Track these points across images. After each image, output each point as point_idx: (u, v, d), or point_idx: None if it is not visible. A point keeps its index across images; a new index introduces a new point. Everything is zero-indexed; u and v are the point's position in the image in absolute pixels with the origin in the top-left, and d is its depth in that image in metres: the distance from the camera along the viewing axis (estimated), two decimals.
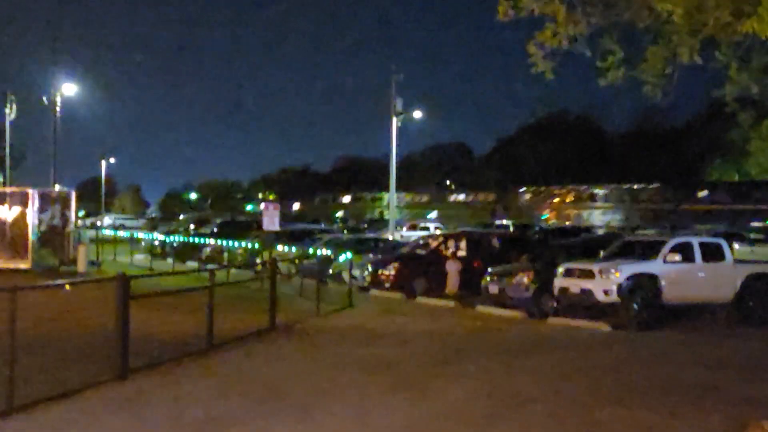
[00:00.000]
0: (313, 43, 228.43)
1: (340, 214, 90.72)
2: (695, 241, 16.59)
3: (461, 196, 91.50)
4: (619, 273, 15.26)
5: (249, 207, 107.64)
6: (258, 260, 24.69)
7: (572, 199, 76.57)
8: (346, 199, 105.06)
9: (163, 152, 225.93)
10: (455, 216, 70.72)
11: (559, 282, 16.20)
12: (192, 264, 29.22)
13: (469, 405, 8.84)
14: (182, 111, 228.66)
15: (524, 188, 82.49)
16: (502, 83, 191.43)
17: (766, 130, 50.64)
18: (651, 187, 66.97)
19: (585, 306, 15.92)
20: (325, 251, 23.47)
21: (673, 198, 62.04)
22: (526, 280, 17.49)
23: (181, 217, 68.75)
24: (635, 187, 68.78)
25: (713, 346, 13.58)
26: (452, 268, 19.27)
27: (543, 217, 74.06)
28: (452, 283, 19.10)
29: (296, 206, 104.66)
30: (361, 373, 10.34)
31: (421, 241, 25.05)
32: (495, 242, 23.39)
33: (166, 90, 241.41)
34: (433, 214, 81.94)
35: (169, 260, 29.30)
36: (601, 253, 17.42)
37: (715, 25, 9.11)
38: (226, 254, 28.34)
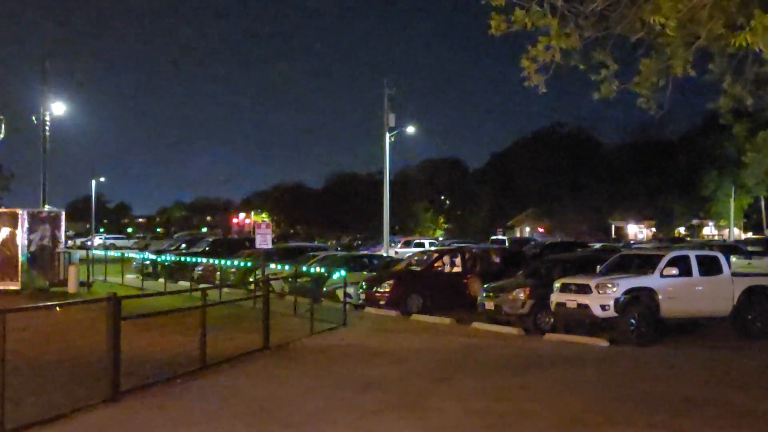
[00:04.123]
0: (307, 60, 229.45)
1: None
2: (692, 255, 16.48)
3: None
4: (616, 288, 15.16)
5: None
6: (251, 279, 24.48)
7: None
8: None
9: (154, 171, 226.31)
10: None
11: (555, 297, 16.10)
12: (184, 283, 28.99)
13: (466, 422, 8.70)
14: (175, 129, 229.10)
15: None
16: (496, 98, 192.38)
17: (762, 142, 50.75)
18: None
19: (582, 321, 15.80)
20: (319, 269, 23.31)
21: None
22: (522, 295, 17.36)
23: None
24: None
25: (712, 360, 13.50)
26: (478, 284, 19.01)
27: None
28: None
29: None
30: (357, 393, 10.19)
31: (415, 258, 24.89)
32: (492, 257, 23.33)
33: (159, 107, 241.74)
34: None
35: (161, 280, 29.07)
36: (598, 267, 17.30)
37: (708, 37, 9.09)
38: (218, 273, 28.12)
